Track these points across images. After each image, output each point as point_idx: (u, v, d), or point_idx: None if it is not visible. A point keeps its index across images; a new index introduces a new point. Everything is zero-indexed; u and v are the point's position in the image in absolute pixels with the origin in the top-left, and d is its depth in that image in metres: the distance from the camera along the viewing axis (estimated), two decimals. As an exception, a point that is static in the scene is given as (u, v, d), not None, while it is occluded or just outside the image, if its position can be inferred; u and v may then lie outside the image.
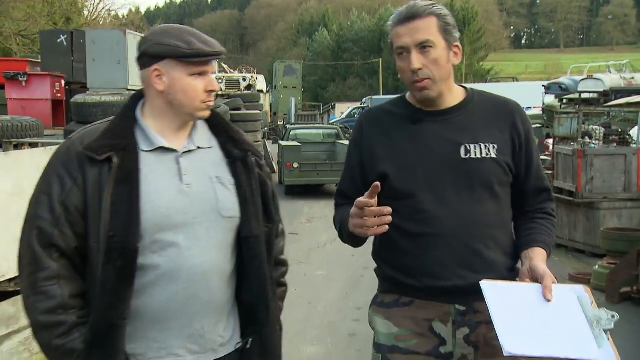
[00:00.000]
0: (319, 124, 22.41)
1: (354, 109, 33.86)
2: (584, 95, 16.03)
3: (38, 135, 7.77)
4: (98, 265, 1.70)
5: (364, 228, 1.84)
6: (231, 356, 1.87)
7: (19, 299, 3.62)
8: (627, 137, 9.03)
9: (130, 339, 1.72)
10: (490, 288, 1.85)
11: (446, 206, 1.97)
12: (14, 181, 3.69)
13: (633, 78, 18.11)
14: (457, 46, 2.00)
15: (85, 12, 32.90)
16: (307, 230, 9.66)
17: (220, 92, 16.86)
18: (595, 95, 15.87)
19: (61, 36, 11.35)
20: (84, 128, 1.82)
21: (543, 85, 19.75)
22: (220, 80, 18.37)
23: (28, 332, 3.64)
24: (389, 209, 1.80)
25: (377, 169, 2.01)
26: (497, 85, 27.51)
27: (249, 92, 17.82)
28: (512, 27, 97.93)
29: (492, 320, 1.79)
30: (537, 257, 1.95)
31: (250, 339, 1.87)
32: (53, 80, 10.50)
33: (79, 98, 8.19)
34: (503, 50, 71.87)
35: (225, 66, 24.08)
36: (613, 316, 1.78)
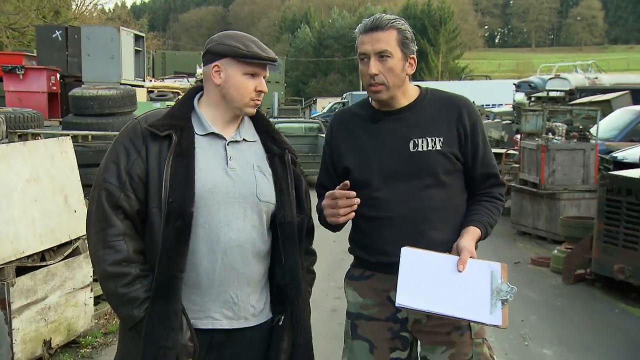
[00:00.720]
0: (300, 117, 22.51)
1: (335, 103, 33.85)
2: (551, 94, 15.90)
3: (39, 126, 7.87)
4: (158, 227, 1.82)
5: (335, 216, 2.01)
6: (262, 327, 1.97)
7: (37, 273, 3.83)
8: (588, 133, 9.34)
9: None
10: (409, 253, 1.99)
11: (396, 193, 2.11)
12: (31, 168, 3.87)
13: (597, 78, 18.24)
14: (413, 58, 2.13)
15: (73, 6, 32.60)
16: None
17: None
18: (562, 94, 15.77)
19: (56, 31, 11.41)
20: (147, 111, 1.98)
21: (514, 84, 19.62)
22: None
23: (44, 303, 3.88)
24: (353, 193, 1.95)
25: (342, 163, 2.19)
26: (471, 83, 27.59)
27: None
28: (486, 27, 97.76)
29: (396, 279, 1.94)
30: (467, 234, 2.07)
31: (282, 316, 1.97)
32: (49, 73, 10.55)
33: (76, 91, 8.25)
34: (477, 48, 72.20)
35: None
36: (512, 289, 1.91)
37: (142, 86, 11.29)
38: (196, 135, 1.90)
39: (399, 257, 2.01)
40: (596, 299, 5.61)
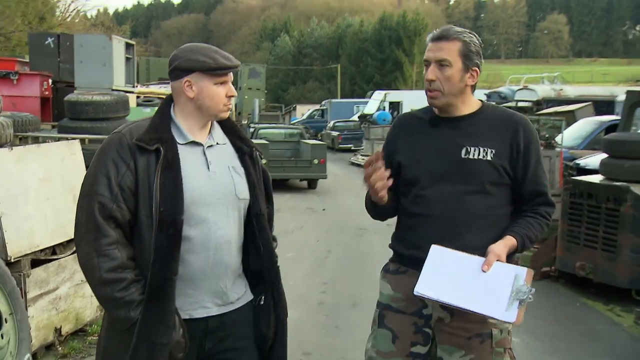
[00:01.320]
0: (280, 124, 22.66)
1: (314, 110, 34.11)
2: (520, 104, 16.16)
3: (36, 129, 7.99)
4: (147, 234, 1.87)
5: (374, 193, 2.09)
6: (246, 307, 2.08)
7: (49, 265, 3.99)
8: (553, 141, 9.67)
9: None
10: (437, 250, 2.03)
11: (441, 194, 2.13)
12: (44, 169, 4.02)
13: (562, 89, 18.54)
14: (475, 70, 2.14)
15: (57, 12, 32.41)
16: (276, 219, 10.06)
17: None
18: (530, 104, 15.95)
19: (48, 38, 11.44)
20: (129, 123, 2.00)
21: (485, 94, 19.71)
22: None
23: (55, 294, 4.04)
24: (380, 163, 2.05)
25: (396, 159, 2.23)
26: None
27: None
28: None
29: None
30: (501, 241, 2.07)
31: (263, 296, 2.09)
32: (41, 79, 10.56)
33: (72, 97, 8.33)
34: (450, 59, 72.94)
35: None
36: (531, 291, 1.92)
37: (132, 92, 11.40)
38: (178, 145, 1.95)
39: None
40: (560, 294, 5.89)
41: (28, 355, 3.41)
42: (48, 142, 5.11)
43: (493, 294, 1.94)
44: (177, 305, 1.90)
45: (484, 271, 1.98)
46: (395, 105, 27.50)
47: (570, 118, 12.72)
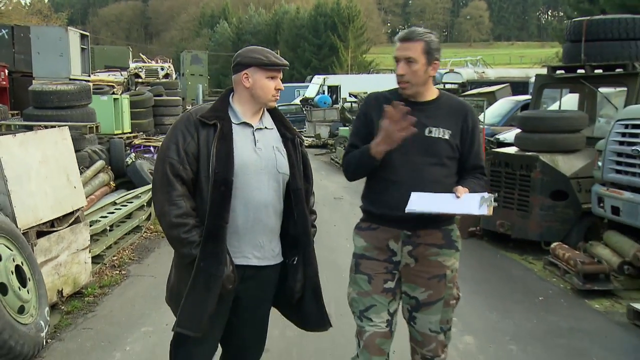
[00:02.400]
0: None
1: (256, 94, 34.04)
2: (447, 86, 16.87)
3: (5, 118, 8.11)
4: (206, 190, 2.20)
5: (394, 134, 2.28)
6: (278, 266, 2.37)
7: (51, 236, 4.37)
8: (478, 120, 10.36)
9: None
10: (416, 194, 2.35)
11: (407, 164, 2.42)
12: (42, 152, 4.35)
13: (484, 72, 19.29)
14: (435, 63, 2.43)
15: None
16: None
17: (140, 80, 16.98)
18: (456, 86, 16.32)
19: (2, 30, 11.35)
20: (195, 106, 2.42)
21: None
22: (140, 70, 18.43)
23: (57, 261, 4.43)
24: (406, 108, 2.27)
25: (373, 132, 2.44)
26: (378, 76, 27.93)
27: (168, 80, 18.01)
28: (389, 24, 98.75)
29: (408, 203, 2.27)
30: (460, 186, 2.41)
31: (296, 258, 2.38)
32: (-1, 69, 10.60)
33: (36, 87, 8.43)
34: (382, 44, 73.79)
35: (143, 57, 23.77)
36: (494, 196, 2.31)
37: (88, 81, 11.47)
38: (232, 124, 2.30)
39: (400, 213, 2.33)
40: (484, 248, 6.62)
41: (47, 308, 3.82)
42: (39, 129, 5.38)
43: (467, 203, 2.33)
44: None
45: (457, 197, 2.34)
46: (334, 89, 27.87)
47: (491, 98, 13.41)
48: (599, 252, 5.36)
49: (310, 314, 2.44)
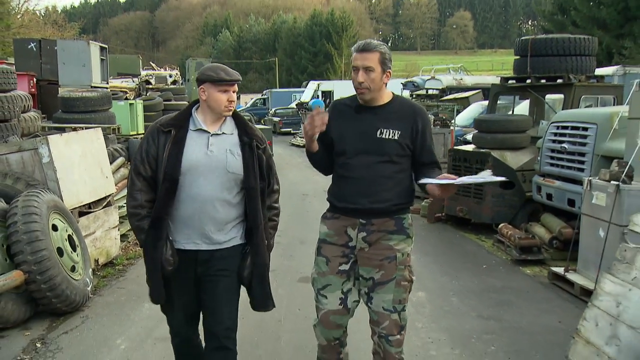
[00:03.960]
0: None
1: (257, 99, 34.65)
2: (429, 92, 17.27)
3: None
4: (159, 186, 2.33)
5: (308, 131, 2.38)
6: (234, 249, 2.44)
7: (90, 216, 5.09)
8: (449, 122, 11.05)
9: (173, 231, 2.38)
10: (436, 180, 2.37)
11: (361, 162, 2.48)
12: (82, 149, 5.07)
13: (462, 79, 19.85)
14: (389, 72, 2.47)
15: (12, 12, 31.71)
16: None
17: (151, 86, 17.57)
18: (437, 92, 17.05)
19: (31, 43, 12.02)
20: (164, 116, 2.44)
21: (401, 83, 20.68)
22: (150, 77, 19.03)
23: (94, 236, 5.17)
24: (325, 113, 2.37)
25: (329, 134, 2.54)
26: None
27: (175, 86, 18.62)
28: (380, 32, 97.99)
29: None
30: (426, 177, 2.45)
31: (248, 247, 2.46)
32: (29, 78, 11.18)
33: (65, 94, 9.11)
34: (373, 51, 73.76)
35: (153, 65, 24.31)
36: (491, 172, 2.42)
37: (106, 88, 12.19)
38: (190, 130, 2.38)
39: (356, 205, 2.46)
40: (446, 230, 7.33)
41: (90, 270, 4.58)
42: (72, 130, 6.08)
43: (471, 177, 2.48)
44: (176, 239, 2.37)
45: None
46: (327, 94, 28.44)
47: (466, 103, 14.14)
48: (536, 230, 6.13)
49: (257, 297, 2.51)
